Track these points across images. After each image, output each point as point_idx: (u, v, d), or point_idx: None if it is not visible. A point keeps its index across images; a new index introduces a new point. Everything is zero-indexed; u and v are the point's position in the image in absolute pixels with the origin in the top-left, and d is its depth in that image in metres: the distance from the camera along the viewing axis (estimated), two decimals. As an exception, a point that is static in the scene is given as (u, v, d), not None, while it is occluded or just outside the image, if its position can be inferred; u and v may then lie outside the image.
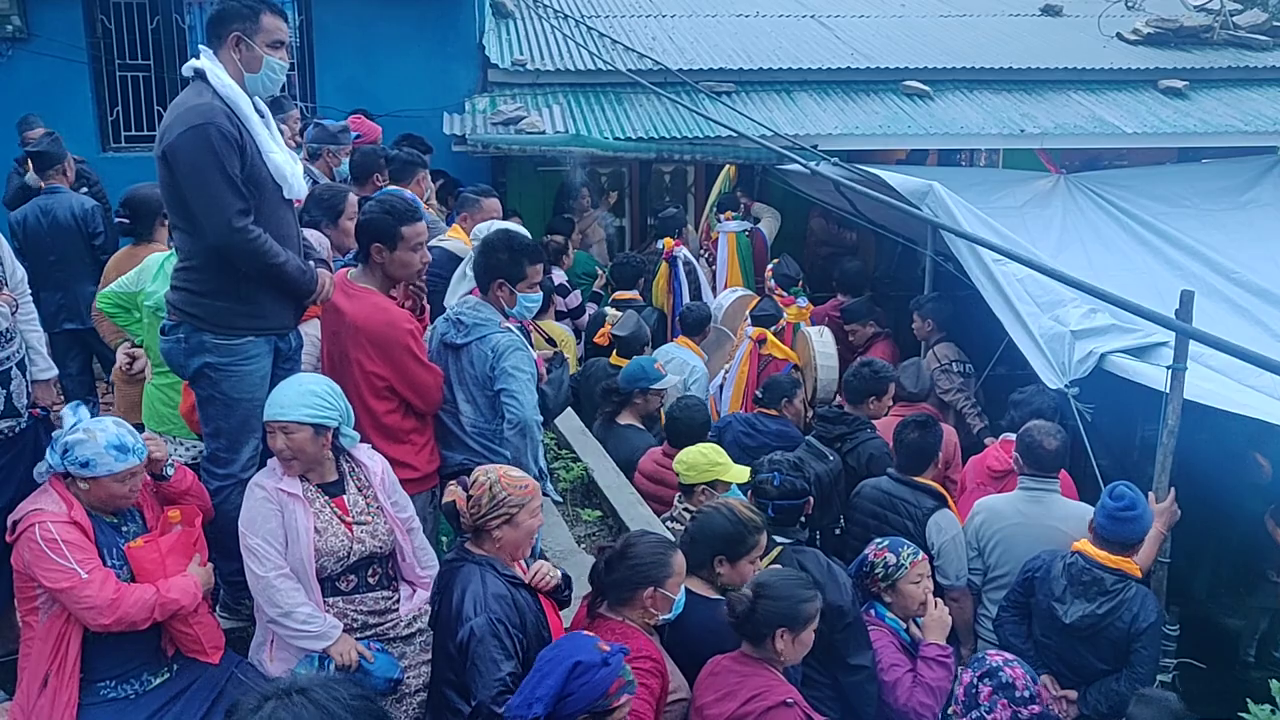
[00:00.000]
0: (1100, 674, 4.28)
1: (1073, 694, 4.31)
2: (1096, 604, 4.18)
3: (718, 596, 3.54)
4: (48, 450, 3.27)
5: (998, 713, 3.38)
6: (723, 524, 3.58)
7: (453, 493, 3.23)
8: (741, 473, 4.54)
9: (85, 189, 7.62)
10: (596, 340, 7.02)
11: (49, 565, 3.11)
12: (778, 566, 3.62)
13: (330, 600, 3.40)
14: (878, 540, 4.20)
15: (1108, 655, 4.24)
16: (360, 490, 3.54)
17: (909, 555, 4.08)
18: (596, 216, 10.15)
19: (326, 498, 3.44)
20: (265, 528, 3.30)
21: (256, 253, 3.41)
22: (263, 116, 3.53)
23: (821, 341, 6.85)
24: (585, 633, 3.04)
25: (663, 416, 6.27)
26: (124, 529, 3.36)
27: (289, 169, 3.54)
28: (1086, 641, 4.25)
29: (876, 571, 4.09)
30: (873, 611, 4.10)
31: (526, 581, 3.27)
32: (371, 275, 3.92)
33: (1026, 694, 3.41)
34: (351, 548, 3.42)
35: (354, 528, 3.44)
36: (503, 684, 2.96)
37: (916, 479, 4.87)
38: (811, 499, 4.19)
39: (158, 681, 3.32)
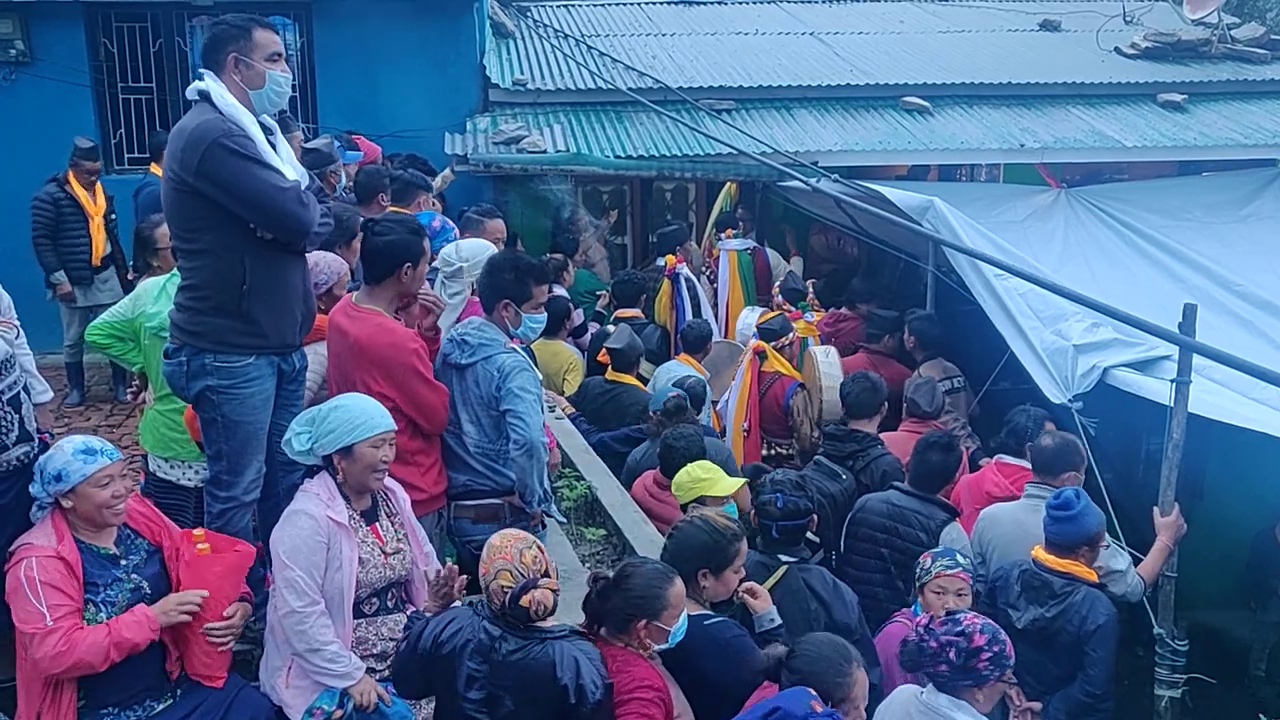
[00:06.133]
0: (1060, 682, 4.26)
1: (1036, 705, 4.29)
2: (1046, 608, 4.20)
3: (703, 611, 3.52)
4: (30, 487, 3.26)
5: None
6: (700, 537, 3.55)
7: (545, 594, 3.06)
8: (731, 485, 4.53)
9: (113, 215, 7.82)
10: (599, 359, 7.02)
11: (24, 604, 3.08)
12: (822, 634, 3.49)
13: (354, 623, 3.39)
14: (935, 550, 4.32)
15: (1064, 661, 4.23)
16: (390, 517, 3.56)
17: (940, 565, 4.15)
18: (596, 233, 10.16)
19: (366, 527, 3.46)
20: (310, 560, 3.27)
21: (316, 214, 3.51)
22: (272, 133, 3.53)
23: (827, 362, 6.82)
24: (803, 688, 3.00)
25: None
26: (124, 560, 3.31)
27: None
28: (1042, 648, 4.24)
29: (916, 572, 4.23)
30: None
31: None
32: (379, 297, 3.92)
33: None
34: (385, 575, 3.45)
35: (390, 557, 3.47)
36: None
37: (928, 495, 4.87)
38: (815, 517, 4.18)
39: (161, 708, 3.28)
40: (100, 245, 7.71)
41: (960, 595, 4.09)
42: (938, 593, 4.11)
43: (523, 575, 3.04)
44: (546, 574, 3.10)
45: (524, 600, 3.01)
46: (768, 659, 3.20)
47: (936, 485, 4.91)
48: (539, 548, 3.17)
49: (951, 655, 3.23)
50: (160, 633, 3.25)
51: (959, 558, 4.19)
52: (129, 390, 5.24)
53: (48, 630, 3.05)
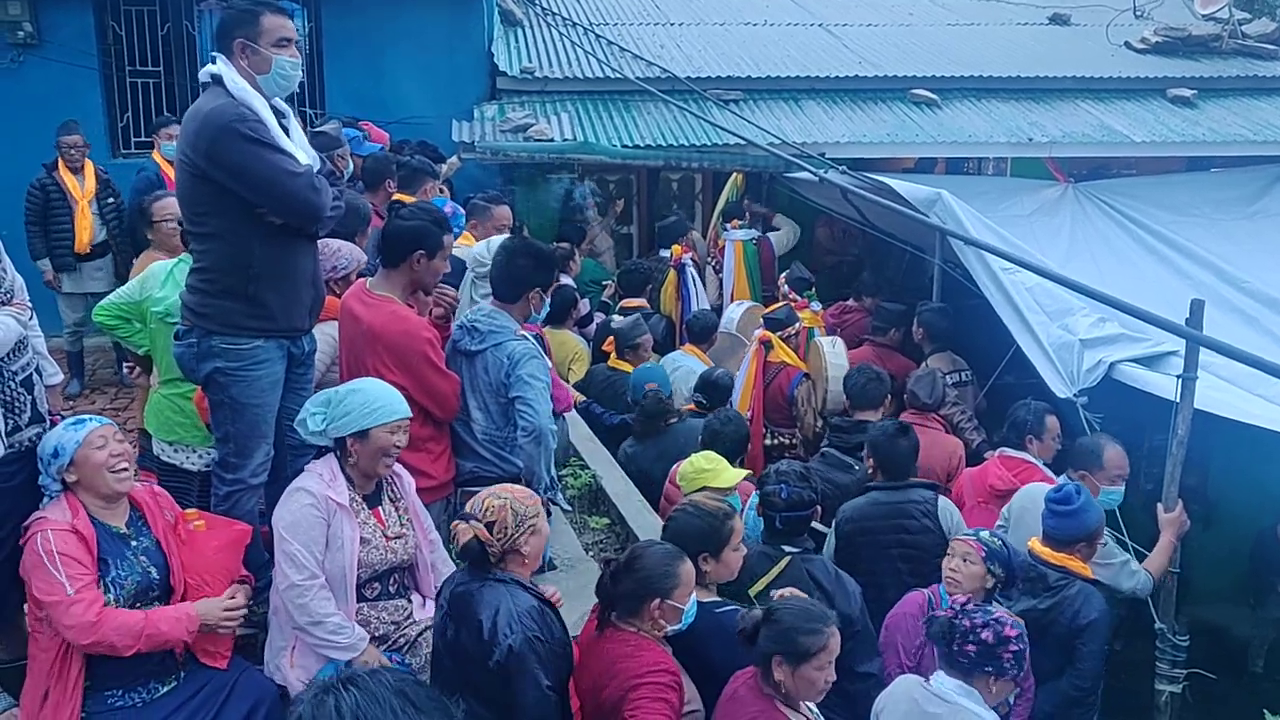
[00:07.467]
0: (1049, 675, 4.25)
1: None
2: (1039, 599, 4.20)
3: (713, 599, 3.53)
4: (39, 480, 3.29)
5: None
6: (693, 523, 3.57)
7: (466, 530, 3.10)
8: (734, 475, 4.54)
9: (110, 200, 7.67)
10: (605, 348, 7.03)
11: (44, 576, 3.10)
12: (798, 593, 3.55)
13: (356, 606, 3.41)
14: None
15: (1055, 654, 4.23)
16: (394, 502, 3.57)
17: (959, 532, 4.21)
18: (603, 224, 10.17)
19: (368, 510, 3.47)
20: (308, 535, 3.29)
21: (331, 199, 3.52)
22: (284, 117, 3.53)
23: (834, 352, 6.81)
24: None
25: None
26: (134, 542, 3.33)
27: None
28: (1032, 640, 4.21)
29: None
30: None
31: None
32: (394, 283, 3.92)
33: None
34: (386, 558, 3.46)
35: (392, 541, 3.48)
36: (545, 698, 2.96)
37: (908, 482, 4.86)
38: (820, 508, 4.18)
39: (165, 690, 3.29)
40: (85, 232, 7.43)
41: (967, 560, 4.05)
42: (948, 554, 4.13)
43: (470, 512, 3.10)
44: (491, 526, 3.08)
45: (452, 524, 3.08)
46: (744, 620, 3.21)
47: (910, 470, 4.89)
48: (510, 508, 3.13)
49: (986, 635, 3.28)
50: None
51: (982, 532, 4.18)
52: (126, 366, 5.23)
53: (70, 600, 3.07)
